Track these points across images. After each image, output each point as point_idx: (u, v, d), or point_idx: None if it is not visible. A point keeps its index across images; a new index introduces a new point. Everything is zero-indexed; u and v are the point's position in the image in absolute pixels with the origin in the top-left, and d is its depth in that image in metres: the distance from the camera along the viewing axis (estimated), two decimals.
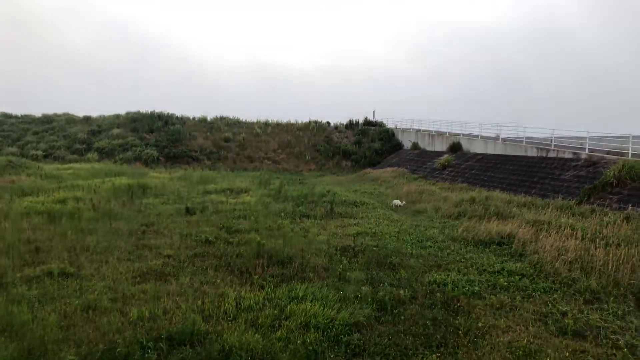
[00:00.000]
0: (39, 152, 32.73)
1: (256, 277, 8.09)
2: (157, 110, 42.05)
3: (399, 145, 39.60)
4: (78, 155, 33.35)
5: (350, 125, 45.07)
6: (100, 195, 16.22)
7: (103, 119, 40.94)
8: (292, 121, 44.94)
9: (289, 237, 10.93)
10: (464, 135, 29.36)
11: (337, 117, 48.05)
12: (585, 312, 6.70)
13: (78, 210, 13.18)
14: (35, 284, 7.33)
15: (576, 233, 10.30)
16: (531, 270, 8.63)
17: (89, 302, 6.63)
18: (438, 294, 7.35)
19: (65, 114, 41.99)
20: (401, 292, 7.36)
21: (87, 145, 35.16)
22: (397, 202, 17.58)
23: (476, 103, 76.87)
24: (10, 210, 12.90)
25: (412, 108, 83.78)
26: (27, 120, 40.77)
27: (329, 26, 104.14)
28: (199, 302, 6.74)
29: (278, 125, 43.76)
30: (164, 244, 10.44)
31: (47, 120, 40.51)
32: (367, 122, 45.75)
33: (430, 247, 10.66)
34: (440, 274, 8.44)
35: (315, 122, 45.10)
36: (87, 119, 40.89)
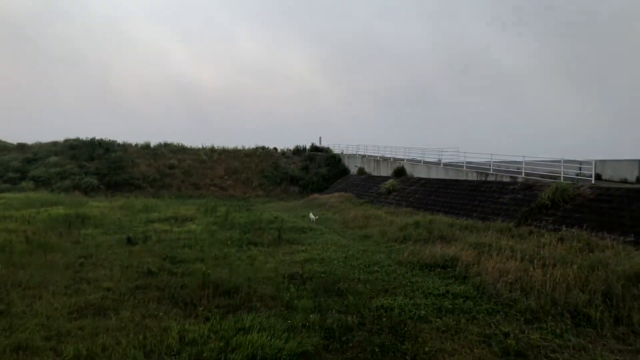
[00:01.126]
0: None
1: (201, 308, 7.86)
2: (98, 137, 40.71)
3: (345, 171, 40.15)
4: (11, 184, 31.64)
5: (298, 151, 45.36)
6: (35, 226, 15.39)
7: (39, 146, 39.21)
8: (239, 147, 44.76)
9: (236, 266, 10.75)
10: (407, 160, 30.17)
11: (283, 143, 48.39)
12: (527, 331, 6.93)
13: (10, 243, 12.43)
14: None
15: (516, 254, 10.70)
16: (474, 292, 8.86)
17: (20, 342, 6.21)
18: (385, 319, 7.40)
19: None
20: (349, 318, 7.36)
21: (22, 174, 33.48)
22: (312, 216, 19.72)
23: (416, 129, 79.49)
24: None
25: (358, 132, 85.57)
26: None
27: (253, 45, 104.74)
28: (141, 337, 6.45)
29: (224, 151, 43.41)
30: (104, 276, 10.00)
31: None
32: (314, 148, 46.23)
33: (378, 271, 10.75)
34: (388, 299, 8.51)
35: (262, 147, 45.12)
36: (21, 146, 39.04)
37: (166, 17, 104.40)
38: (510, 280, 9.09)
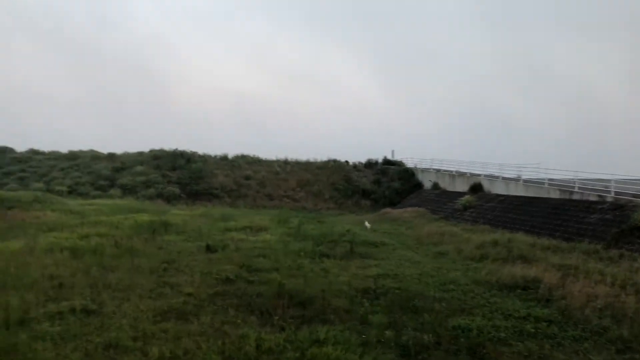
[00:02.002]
0: (64, 188, 33.40)
1: (276, 318, 8.00)
2: (180, 148, 42.80)
3: (419, 185, 39.51)
4: (102, 191, 33.97)
5: (369, 165, 45.25)
6: (123, 231, 16.40)
7: (127, 156, 41.81)
8: (311, 159, 45.35)
9: (310, 277, 10.85)
10: (485, 175, 29.22)
11: (355, 156, 48.37)
12: None
13: (101, 247, 13.32)
14: (58, 321, 7.35)
15: (605, 279, 10.03)
16: (559, 317, 8.38)
17: (111, 340, 6.61)
18: (463, 340, 7.16)
19: (90, 151, 43.03)
20: (425, 336, 7.19)
21: (111, 182, 35.84)
22: (367, 224, 21.48)
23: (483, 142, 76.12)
24: (35, 245, 13.08)
25: (429, 145, 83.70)
26: (54, 156, 41.86)
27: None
28: (220, 343, 6.66)
29: (297, 163, 44.18)
30: (185, 281, 10.43)
31: (73, 156, 41.54)
32: (387, 162, 45.89)
33: (454, 290, 10.45)
34: (465, 319, 8.24)
35: (334, 160, 45.43)
36: (111, 156, 41.82)
37: (213, 28, 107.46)
38: (599, 306, 8.52)
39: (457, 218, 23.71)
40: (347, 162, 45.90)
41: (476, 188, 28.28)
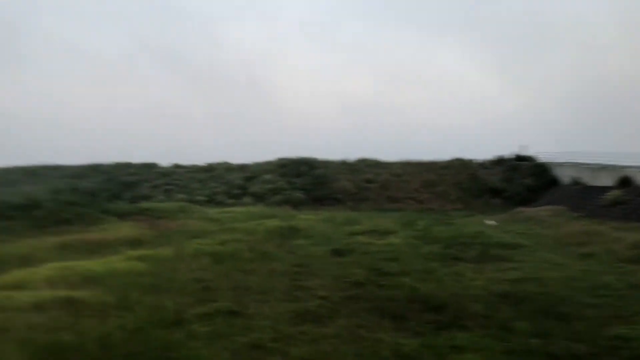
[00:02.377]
0: (203, 198, 36.32)
1: (412, 322, 7.84)
2: (303, 155, 44.30)
3: (554, 181, 36.52)
4: (235, 199, 36.35)
5: (498, 161, 42.85)
6: (257, 236, 17.33)
7: (256, 165, 44.31)
8: (434, 159, 44.17)
9: (442, 281, 10.51)
10: (636, 167, 26.10)
11: (481, 153, 46.06)
12: None
13: (238, 252, 14.18)
14: (207, 321, 7.92)
15: None
16: None
17: (254, 341, 6.96)
18: (623, 351, 6.41)
19: (224, 163, 46.33)
20: (577, 346, 6.56)
21: (243, 190, 38.20)
22: (490, 222, 20.63)
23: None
24: (182, 251, 14.33)
25: (564, 137, 76.82)
26: (193, 169, 45.75)
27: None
28: (356, 347, 6.70)
29: (419, 164, 43.31)
30: (317, 285, 10.68)
31: (209, 169, 45.04)
32: (517, 157, 43.04)
33: (606, 295, 9.43)
34: (624, 327, 7.37)
35: (459, 159, 43.77)
36: (242, 167, 44.61)
37: (317, 32, 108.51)
38: None
39: (603, 216, 21.46)
40: (473, 160, 43.98)
41: (625, 182, 25.36)
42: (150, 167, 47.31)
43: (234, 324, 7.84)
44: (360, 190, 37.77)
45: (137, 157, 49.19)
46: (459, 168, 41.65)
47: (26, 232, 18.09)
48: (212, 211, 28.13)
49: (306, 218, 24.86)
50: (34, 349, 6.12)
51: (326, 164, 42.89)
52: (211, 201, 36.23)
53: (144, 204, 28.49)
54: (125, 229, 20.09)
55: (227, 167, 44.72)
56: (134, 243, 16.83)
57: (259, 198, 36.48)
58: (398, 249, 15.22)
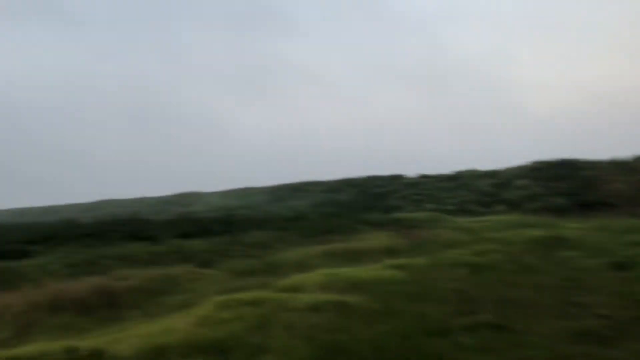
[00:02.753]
0: (452, 207, 35.99)
1: None
2: (564, 156, 40.16)
3: None
4: (486, 207, 34.99)
5: None
6: (516, 247, 16.23)
7: (507, 171, 41.98)
8: None
9: None
10: None
11: None
12: None
13: (497, 263, 13.47)
14: (471, 333, 7.65)
15: None
16: None
17: (527, 358, 6.42)
18: None
19: (470, 170, 45.23)
20: None
21: (494, 198, 36.52)
22: None
23: None
24: (437, 261, 14.32)
25: None
26: (439, 178, 45.91)
27: None
28: None
29: None
30: (595, 302, 9.33)
31: (456, 177, 44.52)
32: None
33: None
34: None
35: None
36: (491, 173, 42.78)
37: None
38: None
39: None
40: None
41: None
42: (397, 179, 49.22)
43: (501, 338, 7.37)
44: None
45: (384, 169, 51.91)
46: None
47: (297, 241, 20.76)
48: (464, 220, 27.59)
49: (573, 226, 22.28)
50: (317, 346, 6.81)
51: (593, 165, 37.94)
52: (461, 210, 35.64)
53: (396, 215, 29.68)
54: (381, 239, 21.22)
55: (474, 174, 43.47)
56: (390, 252, 17.63)
57: (513, 206, 34.36)
58: None
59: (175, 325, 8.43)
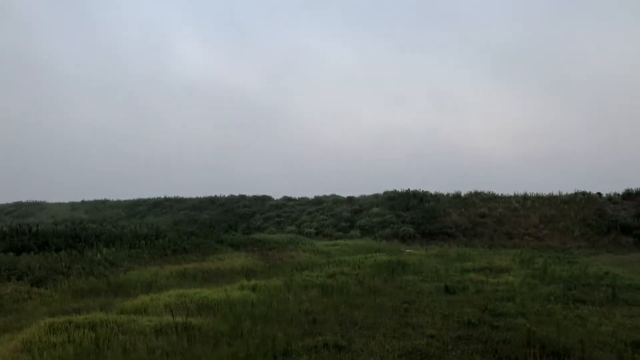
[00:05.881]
0: (312, 230, 37.20)
1: None
2: (412, 188, 43.83)
3: None
4: (343, 232, 36.75)
5: (629, 195, 38.95)
6: (364, 270, 17.31)
7: (364, 198, 44.61)
8: (555, 193, 41.27)
9: (563, 325, 9.67)
10: None
11: (609, 187, 42.28)
12: None
13: (346, 285, 14.26)
14: (314, 354, 8.04)
15: None
16: None
17: None
18: None
19: (332, 196, 47.30)
20: None
21: (351, 223, 38.53)
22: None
23: None
24: (292, 283, 14.73)
25: None
26: (303, 202, 47.28)
27: None
28: None
29: (538, 198, 40.73)
30: (426, 323, 10.38)
31: (318, 201, 46.20)
32: None
33: None
34: None
35: (583, 193, 40.49)
36: (350, 199, 45.14)
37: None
38: None
39: None
40: (599, 194, 40.38)
41: None
42: (263, 200, 49.67)
43: (340, 358, 7.88)
44: (474, 225, 36.27)
45: (251, 190, 52.31)
46: (583, 202, 38.46)
47: (149, 259, 19.82)
48: (320, 243, 28.67)
49: (415, 253, 24.39)
50: None
51: (437, 197, 41.95)
52: (319, 233, 36.98)
53: (257, 235, 29.85)
54: (239, 259, 21.19)
55: (336, 200, 45.54)
56: (247, 272, 17.68)
57: (366, 231, 36.55)
58: (514, 288, 14.32)
59: None
